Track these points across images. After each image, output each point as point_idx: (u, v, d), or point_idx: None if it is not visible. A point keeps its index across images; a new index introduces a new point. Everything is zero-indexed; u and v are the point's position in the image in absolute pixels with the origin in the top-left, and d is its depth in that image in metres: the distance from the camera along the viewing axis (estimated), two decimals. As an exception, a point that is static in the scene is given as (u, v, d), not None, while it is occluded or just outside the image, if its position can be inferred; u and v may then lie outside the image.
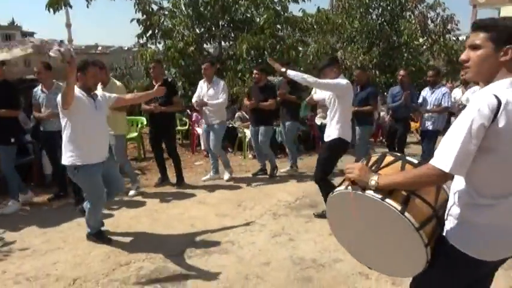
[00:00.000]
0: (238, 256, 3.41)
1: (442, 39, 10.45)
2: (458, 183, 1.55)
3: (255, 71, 5.69)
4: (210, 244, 3.65)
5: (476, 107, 1.36)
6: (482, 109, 1.35)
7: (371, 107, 5.75)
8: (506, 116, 1.35)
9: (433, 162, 1.43)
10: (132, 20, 7.75)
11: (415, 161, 1.70)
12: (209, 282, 3.01)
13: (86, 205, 3.59)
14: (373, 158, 1.78)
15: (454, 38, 11.08)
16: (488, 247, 1.50)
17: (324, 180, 4.01)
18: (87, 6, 7.32)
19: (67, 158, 3.32)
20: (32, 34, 58.20)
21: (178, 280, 3.03)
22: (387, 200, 1.55)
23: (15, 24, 54.61)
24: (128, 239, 3.76)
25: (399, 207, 1.53)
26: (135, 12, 7.67)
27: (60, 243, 3.70)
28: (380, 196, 1.56)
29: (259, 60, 7.80)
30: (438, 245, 1.57)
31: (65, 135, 3.32)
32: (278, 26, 8.06)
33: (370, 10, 10.80)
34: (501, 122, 1.35)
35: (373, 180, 1.55)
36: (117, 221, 4.22)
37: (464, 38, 19.86)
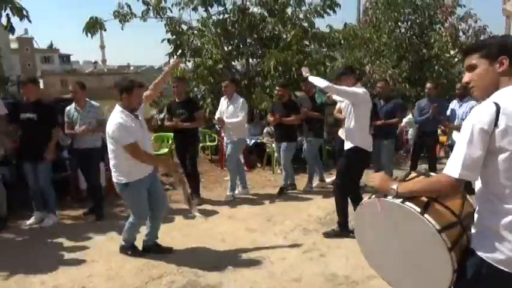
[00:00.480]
0: (269, 271, 3.38)
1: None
2: (480, 193, 1.56)
3: (277, 88, 5.76)
4: (240, 259, 3.64)
5: (476, 114, 1.46)
6: (481, 116, 1.44)
7: (397, 120, 5.65)
8: (508, 117, 1.41)
9: (445, 170, 1.52)
10: (163, 40, 8.04)
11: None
12: (240, 297, 2.99)
13: (128, 220, 3.67)
14: (398, 178, 1.87)
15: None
16: (508, 255, 1.45)
17: (342, 192, 4.01)
18: (122, 29, 7.68)
19: (116, 176, 3.42)
20: (68, 56, 61.29)
21: (209, 294, 3.03)
22: (407, 203, 1.62)
23: (54, 47, 57.70)
24: (159, 253, 3.81)
25: (419, 209, 1.59)
26: (166, 32, 7.96)
27: (94, 256, 3.79)
28: (400, 200, 1.64)
29: (287, 76, 7.84)
30: (467, 258, 1.54)
31: (113, 157, 3.41)
32: (305, 42, 8.12)
33: (399, 23, 10.70)
34: (503, 124, 1.41)
35: (393, 187, 1.66)
36: (149, 235, 4.27)
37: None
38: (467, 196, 1.73)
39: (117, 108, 3.37)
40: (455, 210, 1.64)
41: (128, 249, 3.77)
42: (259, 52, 8.37)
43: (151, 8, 7.58)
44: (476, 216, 1.57)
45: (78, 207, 5.24)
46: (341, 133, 6.05)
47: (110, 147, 3.40)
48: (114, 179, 3.45)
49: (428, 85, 6.02)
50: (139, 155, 3.32)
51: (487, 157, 1.45)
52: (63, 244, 4.09)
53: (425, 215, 1.57)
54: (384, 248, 1.85)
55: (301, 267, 3.45)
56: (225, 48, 8.20)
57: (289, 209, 5.07)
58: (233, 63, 8.63)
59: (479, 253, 1.50)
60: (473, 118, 1.46)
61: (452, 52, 10.54)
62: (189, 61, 8.35)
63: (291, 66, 7.77)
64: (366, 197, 1.84)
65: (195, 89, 8.15)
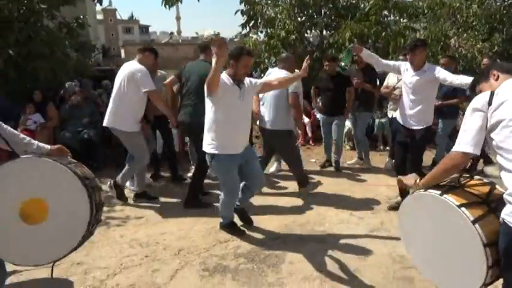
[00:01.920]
0: (334, 247, 3.35)
1: None
2: (500, 168, 1.73)
3: (327, 62, 5.49)
4: (305, 232, 3.65)
5: (473, 101, 1.81)
6: (476, 100, 1.80)
7: (457, 100, 5.10)
8: (500, 96, 1.71)
9: (453, 148, 1.82)
10: (236, 12, 8.02)
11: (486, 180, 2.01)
12: (303, 268, 3.01)
13: (220, 196, 3.52)
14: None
15: None
16: None
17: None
18: (198, 0, 7.78)
19: (206, 145, 3.29)
20: (147, 27, 64.24)
21: (273, 262, 3.10)
22: (445, 195, 1.80)
23: (134, 18, 60.77)
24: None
25: (439, 191, 1.83)
26: (239, 3, 7.92)
27: (168, 216, 4.04)
28: (439, 192, 1.83)
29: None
30: (501, 232, 1.66)
31: (207, 121, 3.27)
32: (385, 12, 7.61)
33: (494, -9, 9.56)
34: (496, 101, 1.71)
35: (416, 182, 2.00)
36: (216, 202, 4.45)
37: None
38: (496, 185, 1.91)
39: (223, 73, 3.20)
40: (480, 194, 1.83)
41: (226, 226, 3.63)
42: (334, 23, 8.03)
43: (226, -23, 7.58)
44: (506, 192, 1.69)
45: (154, 170, 5.59)
46: (388, 113, 5.62)
47: (206, 108, 3.24)
48: (204, 148, 3.31)
49: None
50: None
51: (490, 133, 1.73)
52: (140, 203, 4.41)
53: (445, 195, 1.80)
54: (424, 245, 2.00)
55: (368, 245, 3.36)
56: (299, 19, 7.98)
57: (357, 186, 4.94)
58: (306, 34, 8.39)
59: (508, 223, 1.62)
60: (471, 104, 1.80)
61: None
62: (261, 32, 8.28)
63: (368, 38, 7.37)
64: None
65: (266, 60, 8.10)
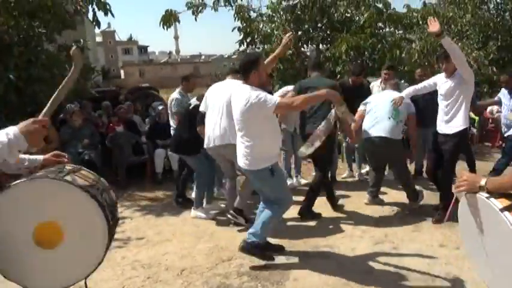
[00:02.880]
0: (338, 262, 3.30)
1: None
2: None
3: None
4: (309, 247, 3.60)
5: None
6: None
7: None
8: None
9: None
10: (233, 29, 8.13)
11: None
12: (308, 285, 2.96)
13: (267, 213, 3.22)
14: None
15: None
16: None
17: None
18: (195, 19, 7.90)
19: (256, 163, 3.08)
20: (146, 47, 65.09)
21: (277, 280, 3.04)
22: (492, 199, 1.60)
23: (133, 39, 61.63)
24: (229, 236, 3.91)
25: (500, 206, 1.56)
26: (235, 20, 8.03)
27: (169, 235, 4.01)
28: (486, 195, 1.63)
29: (358, 61, 7.53)
30: None
31: (249, 140, 3.06)
32: (380, 24, 7.70)
33: (485, 0, 9.69)
34: None
35: (483, 182, 1.64)
36: (218, 219, 4.42)
37: None
38: None
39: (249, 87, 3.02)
40: None
41: (262, 249, 3.25)
42: (330, 37, 8.12)
43: (221, -4, 7.69)
44: None
45: (154, 189, 5.58)
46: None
47: (245, 129, 3.05)
48: (253, 167, 3.08)
49: None
50: (296, 101, 2.98)
51: None
52: (142, 223, 4.38)
53: (505, 213, 1.52)
54: (479, 244, 1.81)
55: (372, 259, 3.32)
56: (295, 34, 8.08)
57: (360, 198, 4.90)
58: (302, 49, 8.48)
59: None
60: None
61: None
62: (258, 48, 8.36)
63: (364, 50, 7.43)
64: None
65: (264, 75, 8.16)
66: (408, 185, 4.44)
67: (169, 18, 7.53)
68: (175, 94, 5.57)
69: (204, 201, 4.54)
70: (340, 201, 4.70)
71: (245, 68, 3.02)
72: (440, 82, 3.97)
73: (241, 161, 3.15)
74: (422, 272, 3.06)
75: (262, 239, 3.22)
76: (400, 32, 8.20)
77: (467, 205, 1.78)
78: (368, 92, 5.25)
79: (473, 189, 1.68)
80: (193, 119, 4.26)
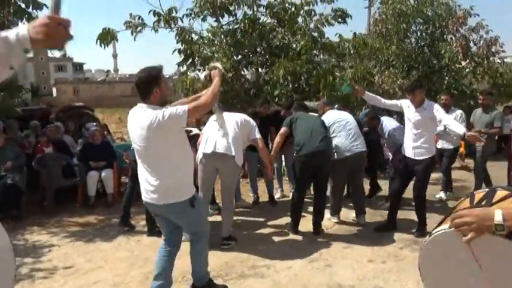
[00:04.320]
0: (274, 280, 3.35)
1: (486, 62, 10.10)
2: None
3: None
4: (245, 268, 3.61)
5: None
6: None
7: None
8: None
9: None
10: (174, 51, 8.10)
11: None
12: (244, 306, 2.97)
13: (195, 252, 3.00)
14: (479, 194, 1.44)
15: (499, 61, 10.67)
16: None
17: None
18: (134, 39, 7.78)
19: (182, 193, 2.69)
20: (82, 65, 62.33)
21: (213, 303, 3.01)
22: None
23: (67, 56, 58.80)
24: None
25: None
26: (176, 42, 8.05)
27: (101, 262, 3.81)
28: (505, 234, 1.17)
29: (295, 85, 7.86)
30: None
31: (173, 164, 2.66)
32: (315, 51, 8.14)
33: (408, 34, 10.67)
34: None
35: (499, 217, 1.13)
36: (154, 243, 4.28)
37: (510, 60, 19.01)
38: None
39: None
40: None
41: (210, 285, 3.08)
42: (269, 61, 8.42)
43: (162, 18, 7.69)
44: None
45: (86, 214, 5.29)
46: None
47: (156, 156, 2.64)
48: (170, 200, 2.67)
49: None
50: (207, 97, 2.66)
51: None
52: (70, 250, 4.12)
53: None
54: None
55: (307, 276, 3.41)
56: (235, 58, 8.26)
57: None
58: (242, 72, 8.68)
59: None
60: None
61: (463, 63, 10.45)
62: (199, 70, 8.41)
63: (300, 75, 7.78)
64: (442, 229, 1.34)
65: (204, 97, 8.20)
66: (363, 201, 4.83)
67: (106, 37, 7.35)
68: None
69: None
70: (279, 221, 4.80)
71: (146, 85, 2.60)
72: (411, 111, 4.38)
73: (153, 196, 2.66)
74: (352, 285, 3.22)
75: (206, 278, 3.08)
76: (333, 59, 8.71)
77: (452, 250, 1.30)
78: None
79: (483, 223, 1.17)
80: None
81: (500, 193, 1.37)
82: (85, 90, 44.31)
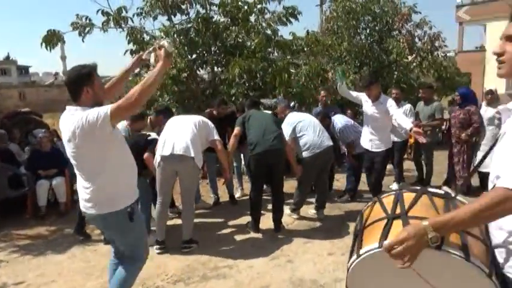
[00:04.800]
0: (237, 280, 3.35)
1: (430, 56, 10.64)
2: None
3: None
4: (207, 270, 3.58)
5: None
6: None
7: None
8: None
9: (504, 184, 1.16)
10: (125, 52, 7.84)
11: (440, 191, 1.48)
12: (207, 309, 2.93)
13: (121, 275, 2.63)
14: (387, 200, 1.49)
15: (443, 55, 11.29)
16: None
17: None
18: (82, 41, 7.44)
19: (118, 203, 2.41)
20: (27, 68, 58.94)
21: (175, 308, 2.96)
22: (443, 246, 1.23)
23: (11, 58, 55.35)
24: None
25: (461, 253, 1.23)
26: (128, 43, 7.79)
27: (55, 276, 3.62)
28: (462, 254, 1.23)
29: (251, 83, 7.88)
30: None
31: (108, 171, 2.38)
32: (269, 49, 8.19)
33: (358, 31, 11.02)
34: None
35: (431, 234, 1.18)
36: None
37: (453, 54, 20.21)
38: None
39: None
40: (482, 235, 1.35)
41: None
42: (224, 60, 8.37)
43: (111, 18, 7.41)
44: (508, 234, 1.28)
45: (37, 225, 5.01)
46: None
47: (88, 162, 2.38)
48: (106, 209, 2.40)
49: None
50: (135, 94, 2.20)
51: None
52: (21, 264, 3.89)
53: (471, 259, 1.22)
54: None
55: (269, 274, 3.44)
56: (189, 57, 8.14)
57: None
58: (198, 72, 8.57)
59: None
60: None
61: (410, 58, 10.96)
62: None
63: (256, 73, 7.81)
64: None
65: (160, 99, 8.02)
66: (326, 196, 4.98)
67: (51, 39, 6.98)
68: (122, 132, 4.20)
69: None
70: (240, 220, 4.79)
71: (76, 84, 2.34)
72: (368, 105, 4.62)
73: (87, 205, 2.42)
74: (313, 279, 3.28)
75: None
76: (288, 57, 8.82)
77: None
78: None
79: (423, 246, 1.19)
80: (143, 145, 4.16)
81: (408, 196, 1.43)
82: (32, 95, 41.75)
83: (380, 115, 4.50)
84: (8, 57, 56.13)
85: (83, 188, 2.42)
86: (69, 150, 2.36)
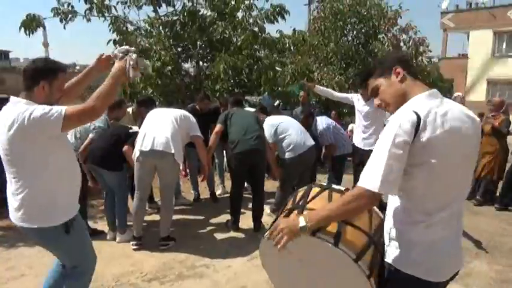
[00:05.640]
0: (214, 280, 3.30)
1: (414, 61, 10.79)
2: (393, 203, 1.52)
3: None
4: (184, 268, 3.52)
5: (397, 123, 1.38)
6: (403, 125, 1.37)
7: None
8: (428, 129, 1.37)
9: (361, 184, 1.41)
10: (108, 42, 7.65)
11: (342, 188, 1.78)
12: (182, 308, 2.88)
13: (67, 281, 2.39)
14: (300, 193, 1.80)
15: (427, 60, 11.46)
16: (431, 265, 1.44)
17: None
18: (64, 27, 7.23)
19: (48, 217, 2.13)
20: (7, 53, 57.21)
21: (149, 307, 2.89)
22: (318, 234, 1.51)
23: (-11, 42, 53.62)
24: (97, 265, 3.57)
25: (332, 240, 1.50)
26: (111, 32, 7.60)
27: (24, 269, 3.50)
28: (332, 240, 1.51)
29: (237, 80, 7.81)
30: (384, 273, 1.52)
31: (43, 178, 2.10)
32: (256, 46, 8.13)
33: (345, 32, 11.08)
34: (424, 136, 1.36)
35: (302, 223, 1.48)
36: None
37: (437, 60, 20.58)
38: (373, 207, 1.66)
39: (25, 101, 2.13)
40: (366, 228, 1.59)
41: None
42: (209, 55, 8.27)
43: (94, 6, 7.21)
44: (389, 228, 1.52)
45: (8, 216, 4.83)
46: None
47: (20, 166, 2.08)
48: (35, 223, 2.11)
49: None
50: (97, 101, 2.02)
51: (407, 169, 1.40)
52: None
53: (340, 245, 1.49)
54: (297, 282, 1.74)
55: (246, 274, 3.40)
56: (174, 50, 8.01)
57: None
58: (182, 65, 8.44)
59: (395, 265, 1.47)
60: (394, 127, 1.38)
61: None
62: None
63: (241, 70, 7.74)
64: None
65: (143, 91, 7.87)
66: None
67: (31, 24, 6.75)
68: (99, 122, 4.21)
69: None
70: (220, 219, 4.74)
71: (34, 74, 2.10)
72: (360, 104, 4.72)
73: (16, 215, 2.14)
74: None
75: None
76: (275, 55, 8.78)
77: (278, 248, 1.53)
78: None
79: (291, 229, 1.49)
80: (124, 138, 4.07)
81: (315, 190, 1.76)
82: (11, 80, 40.67)
83: (373, 113, 4.60)
84: (-14, 41, 54.35)
85: (12, 195, 2.13)
86: (2, 146, 2.06)
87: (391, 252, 1.49)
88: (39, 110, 1.96)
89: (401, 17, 10.72)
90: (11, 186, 2.12)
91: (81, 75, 2.43)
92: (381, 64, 1.61)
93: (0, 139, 2.05)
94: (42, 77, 2.09)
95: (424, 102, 1.44)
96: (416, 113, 1.38)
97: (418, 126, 1.36)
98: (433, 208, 1.43)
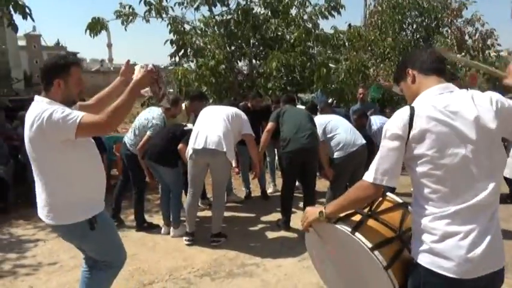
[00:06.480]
0: (263, 280, 3.29)
1: (481, 55, 10.02)
2: (413, 199, 1.56)
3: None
4: (234, 266, 3.55)
5: (391, 119, 1.50)
6: (394, 120, 1.48)
7: None
8: (422, 121, 1.42)
9: (364, 177, 1.55)
10: (166, 42, 7.93)
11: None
12: (232, 306, 2.90)
13: (97, 273, 2.41)
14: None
15: (495, 54, 10.60)
16: (447, 258, 1.41)
17: None
18: (125, 29, 7.62)
19: (71, 215, 2.16)
20: (75, 54, 61.43)
21: (200, 303, 2.95)
22: (339, 222, 1.64)
23: (60, 45, 57.92)
24: (152, 258, 3.73)
25: (349, 228, 1.61)
26: (169, 32, 7.87)
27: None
28: (349, 228, 1.61)
29: (289, 77, 7.74)
30: (412, 272, 1.53)
31: (63, 178, 2.13)
32: (309, 43, 8.01)
33: (404, 26, 10.55)
34: (417, 128, 1.42)
35: (321, 211, 1.66)
36: (143, 238, 4.21)
37: (506, 53, 19.02)
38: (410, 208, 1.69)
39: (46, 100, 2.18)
40: (393, 225, 1.64)
41: None
42: (263, 53, 8.28)
43: (153, 7, 7.50)
44: (413, 225, 1.55)
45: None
46: None
47: (42, 164, 2.13)
48: (60, 221, 2.17)
49: None
50: (110, 115, 2.04)
51: (408, 162, 1.49)
52: (55, 246, 4.01)
53: (356, 234, 1.58)
54: (334, 272, 1.87)
55: (297, 275, 3.35)
56: (228, 49, 8.12)
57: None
58: (236, 64, 8.54)
59: (422, 263, 1.47)
60: (388, 123, 1.51)
61: (458, 56, 10.37)
62: (192, 61, 8.26)
63: (294, 67, 7.67)
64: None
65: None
66: None
67: (95, 26, 7.17)
68: (156, 120, 4.32)
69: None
70: (270, 217, 4.73)
71: (47, 73, 2.14)
72: None
73: (43, 213, 2.19)
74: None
75: None
76: (329, 52, 8.59)
77: (314, 236, 1.79)
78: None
79: (312, 215, 1.71)
80: (179, 135, 4.18)
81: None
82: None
83: None
84: (58, 43, 58.82)
85: (38, 193, 2.19)
86: (26, 144, 2.13)
87: (416, 248, 1.52)
88: (58, 112, 2.00)
89: (467, 8, 9.98)
90: (37, 185, 2.18)
91: (109, 87, 2.50)
92: (397, 69, 1.72)
93: (25, 138, 2.13)
94: (55, 75, 2.12)
95: (426, 97, 1.49)
96: (412, 108, 1.46)
97: (411, 121, 1.43)
98: (442, 200, 1.43)
